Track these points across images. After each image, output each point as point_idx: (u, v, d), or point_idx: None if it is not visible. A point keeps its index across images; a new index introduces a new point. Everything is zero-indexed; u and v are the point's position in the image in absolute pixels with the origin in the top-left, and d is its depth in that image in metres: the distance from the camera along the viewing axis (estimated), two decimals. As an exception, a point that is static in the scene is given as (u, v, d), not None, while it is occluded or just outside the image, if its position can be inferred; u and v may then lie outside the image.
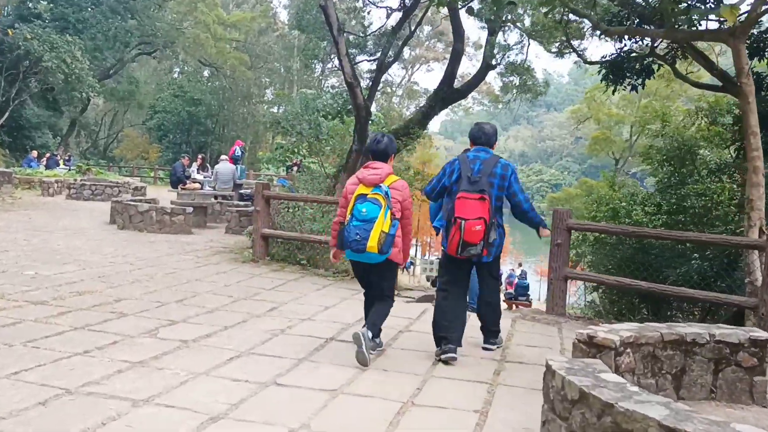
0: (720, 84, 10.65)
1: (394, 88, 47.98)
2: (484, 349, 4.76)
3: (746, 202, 5.59)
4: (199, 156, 20.11)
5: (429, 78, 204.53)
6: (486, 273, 4.68)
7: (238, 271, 7.81)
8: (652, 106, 15.81)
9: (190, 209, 12.24)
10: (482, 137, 4.63)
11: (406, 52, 42.69)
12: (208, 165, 21.25)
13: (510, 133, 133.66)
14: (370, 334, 4.21)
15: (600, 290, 12.55)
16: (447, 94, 16.78)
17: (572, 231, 6.15)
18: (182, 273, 7.39)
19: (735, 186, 13.31)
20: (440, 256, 5.48)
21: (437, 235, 5.76)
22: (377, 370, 4.11)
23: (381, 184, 4.20)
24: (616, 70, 9.75)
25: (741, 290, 6.76)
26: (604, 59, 10.32)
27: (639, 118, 29.04)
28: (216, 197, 15.19)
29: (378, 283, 4.42)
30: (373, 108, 36.23)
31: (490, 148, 4.63)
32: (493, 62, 17.30)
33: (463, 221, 4.27)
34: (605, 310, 12.46)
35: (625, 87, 10.19)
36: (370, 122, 19.40)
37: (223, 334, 4.78)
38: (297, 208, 9.27)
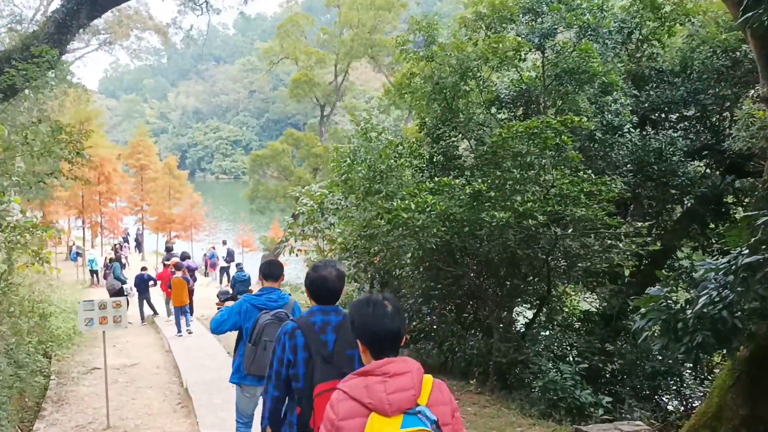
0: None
1: (25, 25, 35.96)
2: None
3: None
4: None
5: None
6: None
7: None
8: (413, 19, 11.43)
9: None
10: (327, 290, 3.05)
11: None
12: None
13: (180, 88, 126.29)
14: None
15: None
16: (99, -12, 9.85)
17: None
18: None
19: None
20: None
21: None
22: None
23: (421, 407, 1.72)
24: None
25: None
26: None
27: (345, 53, 25.06)
28: None
29: None
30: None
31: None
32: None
33: None
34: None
35: None
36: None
37: None
38: None
